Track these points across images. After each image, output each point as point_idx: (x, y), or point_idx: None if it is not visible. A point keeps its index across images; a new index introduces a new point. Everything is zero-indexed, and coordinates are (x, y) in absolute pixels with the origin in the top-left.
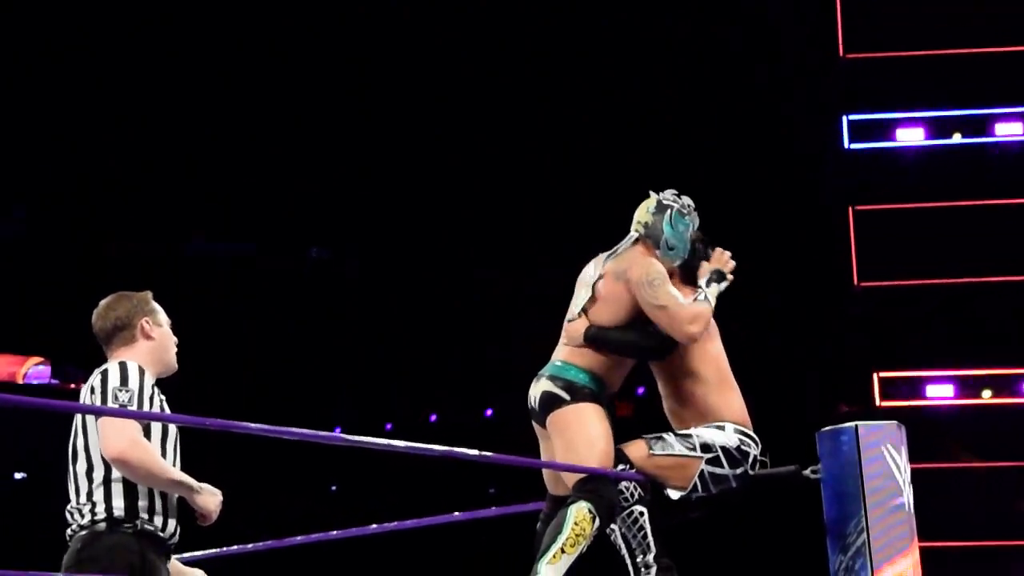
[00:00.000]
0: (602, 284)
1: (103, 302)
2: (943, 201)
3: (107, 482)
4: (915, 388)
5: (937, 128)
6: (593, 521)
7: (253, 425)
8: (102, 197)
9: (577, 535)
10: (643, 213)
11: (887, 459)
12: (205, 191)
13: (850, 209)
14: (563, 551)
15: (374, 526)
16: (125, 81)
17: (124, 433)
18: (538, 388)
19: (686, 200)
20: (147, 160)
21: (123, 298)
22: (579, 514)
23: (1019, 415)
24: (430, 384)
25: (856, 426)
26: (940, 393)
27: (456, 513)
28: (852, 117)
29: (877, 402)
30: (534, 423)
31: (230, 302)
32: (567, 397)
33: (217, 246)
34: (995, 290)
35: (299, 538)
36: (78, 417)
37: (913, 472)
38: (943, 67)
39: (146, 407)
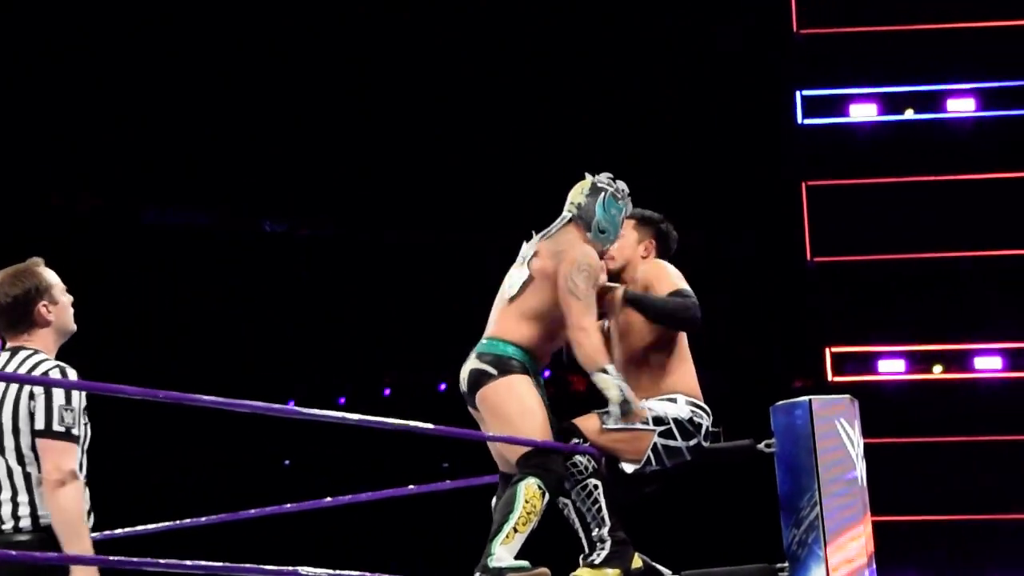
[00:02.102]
0: (536, 262)
1: None
2: (896, 176)
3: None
4: (867, 363)
5: (890, 104)
6: (543, 497)
7: (206, 397)
8: (59, 162)
9: (528, 512)
10: (577, 194)
11: (840, 433)
12: (163, 161)
13: (803, 184)
14: (515, 530)
15: (328, 499)
16: (88, 53)
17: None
18: (466, 368)
19: (621, 185)
20: (106, 127)
21: (16, 281)
22: (528, 491)
23: (970, 390)
24: (383, 357)
25: (810, 400)
26: (892, 368)
27: (410, 486)
28: (805, 92)
29: (829, 377)
30: (468, 407)
31: (182, 274)
32: (494, 372)
33: (172, 216)
34: (946, 265)
35: (253, 511)
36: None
37: (865, 447)
38: (896, 43)
39: (82, 424)
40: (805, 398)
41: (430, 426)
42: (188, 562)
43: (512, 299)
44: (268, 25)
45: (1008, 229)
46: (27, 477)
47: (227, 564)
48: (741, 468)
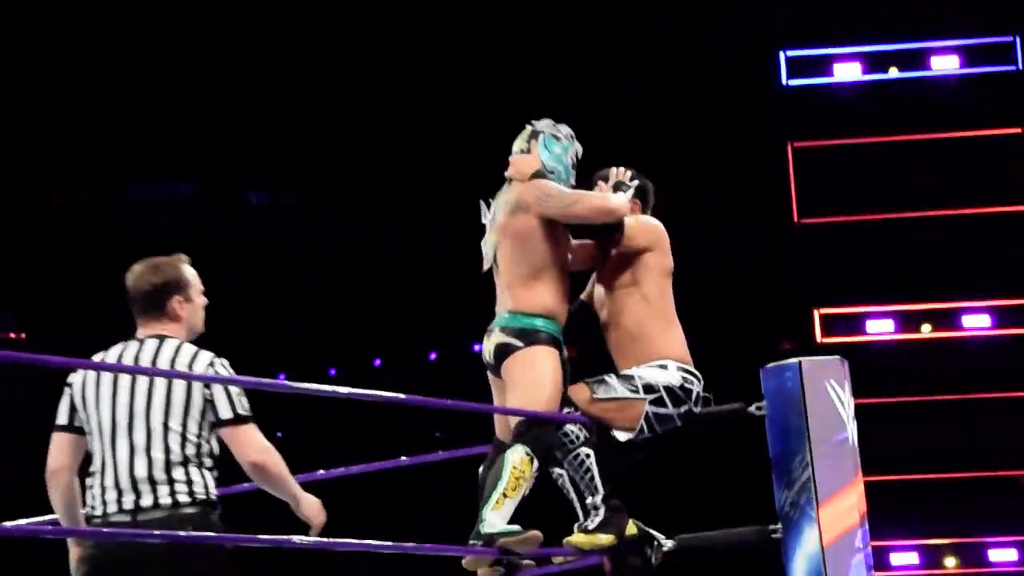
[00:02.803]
0: (502, 219)
1: (139, 269)
2: (881, 136)
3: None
4: (855, 324)
5: (874, 63)
6: (531, 463)
7: (197, 373)
8: (41, 144)
9: (517, 478)
10: (519, 142)
11: (831, 394)
12: (147, 136)
13: (789, 145)
14: (505, 496)
15: (320, 472)
16: (88, 52)
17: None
18: (491, 342)
19: (564, 128)
20: (106, 128)
21: (158, 270)
22: (517, 457)
23: (959, 348)
24: (373, 328)
25: (800, 362)
26: (880, 328)
27: (403, 457)
28: (789, 53)
29: (818, 338)
30: (490, 375)
31: (171, 248)
32: (520, 344)
33: (156, 191)
34: (933, 224)
35: (245, 485)
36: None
37: (856, 407)
38: (878, 1)
39: None
40: (795, 360)
41: (422, 398)
42: (181, 532)
43: (511, 267)
44: (269, 26)
45: (993, 186)
46: (184, 462)
47: (223, 534)
48: (732, 431)
